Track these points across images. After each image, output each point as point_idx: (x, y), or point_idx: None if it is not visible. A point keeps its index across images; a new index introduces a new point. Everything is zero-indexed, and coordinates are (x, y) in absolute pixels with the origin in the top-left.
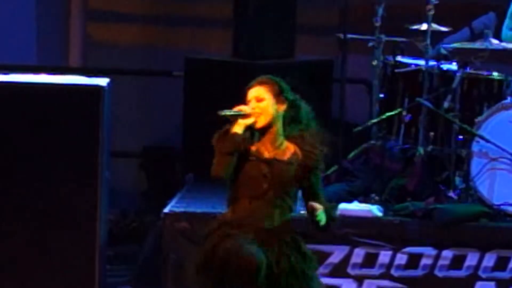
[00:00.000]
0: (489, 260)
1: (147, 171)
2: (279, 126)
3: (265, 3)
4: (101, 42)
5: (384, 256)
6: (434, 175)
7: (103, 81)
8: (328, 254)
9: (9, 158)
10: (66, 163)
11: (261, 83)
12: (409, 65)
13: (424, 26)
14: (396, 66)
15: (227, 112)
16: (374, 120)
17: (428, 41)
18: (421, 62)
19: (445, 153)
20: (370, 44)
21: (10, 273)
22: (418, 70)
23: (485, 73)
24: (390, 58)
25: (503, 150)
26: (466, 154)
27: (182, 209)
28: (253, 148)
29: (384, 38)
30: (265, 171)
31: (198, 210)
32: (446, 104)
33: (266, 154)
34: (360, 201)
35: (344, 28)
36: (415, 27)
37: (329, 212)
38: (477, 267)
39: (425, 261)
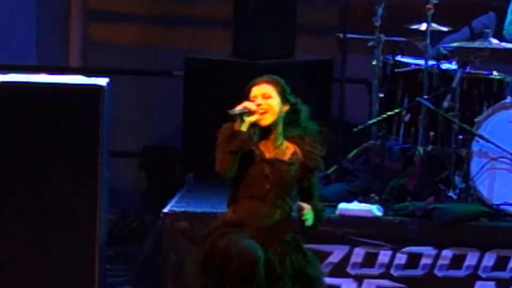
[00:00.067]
0: (489, 259)
1: (147, 171)
2: (281, 126)
3: (265, 3)
4: (101, 42)
5: (384, 256)
6: (434, 175)
7: (103, 81)
8: (328, 254)
9: (9, 158)
10: (66, 163)
11: (267, 82)
12: (409, 64)
13: (423, 26)
14: (396, 66)
15: (236, 112)
16: (374, 120)
17: (428, 41)
18: (421, 62)
19: (445, 153)
20: (370, 44)
21: (10, 273)
22: (418, 70)
23: (485, 72)
24: (390, 57)
25: (503, 149)
26: (466, 154)
27: (182, 209)
28: (255, 147)
29: (383, 38)
30: (267, 172)
31: (198, 210)
32: (446, 104)
33: (267, 154)
34: (360, 201)
35: (344, 28)
36: (414, 26)
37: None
38: (477, 266)
39: (425, 260)
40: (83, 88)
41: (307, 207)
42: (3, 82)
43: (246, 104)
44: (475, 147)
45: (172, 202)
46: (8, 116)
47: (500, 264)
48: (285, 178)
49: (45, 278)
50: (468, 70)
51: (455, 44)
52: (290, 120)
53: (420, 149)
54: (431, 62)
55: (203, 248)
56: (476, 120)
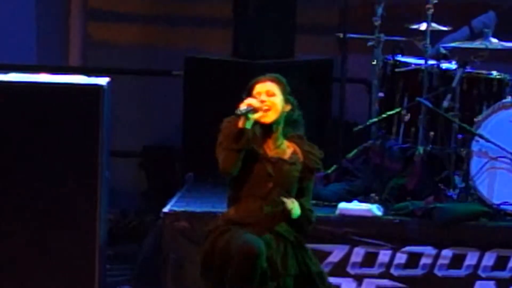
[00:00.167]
0: (489, 259)
1: (147, 171)
2: (282, 125)
3: (265, 3)
4: (101, 42)
5: (383, 256)
6: (433, 175)
7: (103, 81)
8: (327, 253)
9: (9, 158)
10: (66, 163)
11: (271, 79)
12: (409, 64)
13: (423, 26)
14: (395, 66)
15: (243, 111)
16: (374, 120)
17: (428, 41)
18: (421, 62)
19: (445, 153)
20: (370, 43)
21: (10, 273)
22: (417, 70)
23: (484, 72)
24: (390, 57)
25: (503, 149)
26: (466, 154)
27: (182, 209)
28: (258, 146)
29: (383, 37)
30: (270, 170)
31: (198, 210)
32: (445, 104)
33: (269, 153)
34: (360, 201)
35: (344, 28)
36: (414, 26)
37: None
38: (476, 266)
39: (424, 260)
40: (83, 88)
41: (291, 199)
42: (3, 82)
43: (250, 100)
44: (475, 146)
45: (172, 202)
46: (8, 115)
47: (500, 264)
48: (288, 177)
49: (45, 278)
50: (468, 70)
51: (455, 44)
52: (289, 120)
53: (420, 149)
54: (431, 62)
55: (203, 248)
56: (476, 119)
